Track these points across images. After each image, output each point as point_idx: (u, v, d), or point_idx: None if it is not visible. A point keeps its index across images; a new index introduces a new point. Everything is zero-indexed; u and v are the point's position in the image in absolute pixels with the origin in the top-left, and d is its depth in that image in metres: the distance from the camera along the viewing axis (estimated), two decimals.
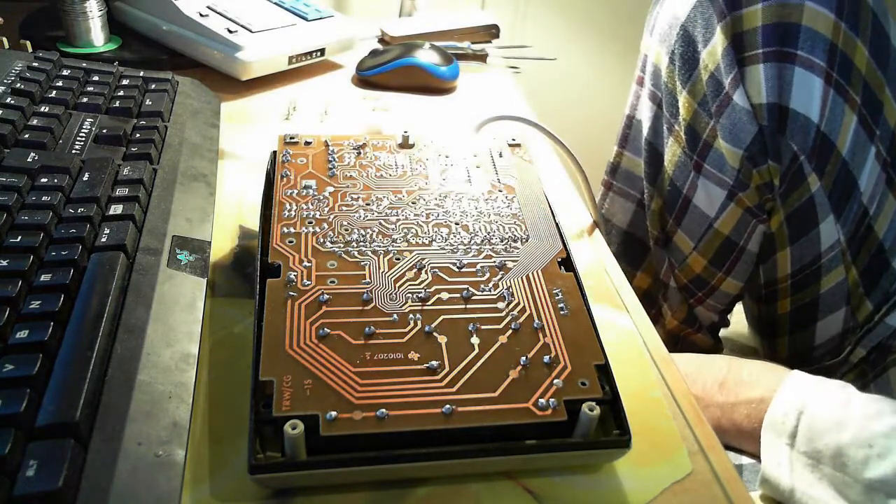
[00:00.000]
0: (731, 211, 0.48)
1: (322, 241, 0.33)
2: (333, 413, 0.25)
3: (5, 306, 0.26)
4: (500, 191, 0.38)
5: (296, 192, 0.36)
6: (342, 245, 0.33)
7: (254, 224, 0.41)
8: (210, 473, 0.27)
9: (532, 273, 0.33)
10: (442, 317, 0.30)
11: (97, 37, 0.57)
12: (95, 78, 0.45)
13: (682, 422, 0.32)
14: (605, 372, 0.29)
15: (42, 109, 0.39)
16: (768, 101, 0.43)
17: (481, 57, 0.68)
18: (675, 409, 0.32)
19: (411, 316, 0.30)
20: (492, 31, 0.73)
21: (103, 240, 0.31)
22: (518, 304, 0.31)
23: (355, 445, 0.25)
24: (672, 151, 0.51)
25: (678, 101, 0.49)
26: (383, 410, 0.25)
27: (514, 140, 0.42)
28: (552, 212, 0.37)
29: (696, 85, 0.47)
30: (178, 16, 0.56)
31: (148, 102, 0.43)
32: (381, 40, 0.70)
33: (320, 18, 0.62)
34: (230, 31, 0.55)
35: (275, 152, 0.39)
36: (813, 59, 0.42)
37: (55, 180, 0.34)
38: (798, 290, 0.49)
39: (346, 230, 0.34)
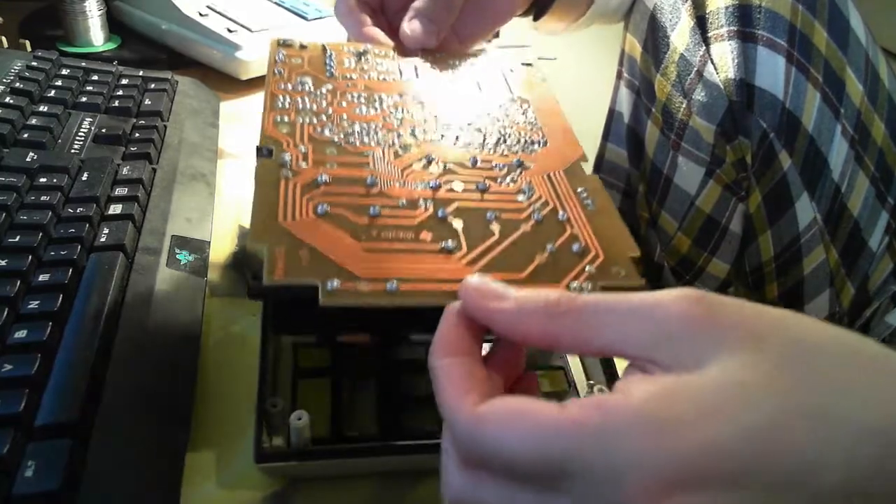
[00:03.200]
0: (711, 188, 0.49)
1: (320, 130, 0.29)
2: (335, 282, 0.21)
3: (4, 306, 0.26)
4: (513, 101, 0.35)
5: (290, 86, 0.32)
6: (342, 136, 0.29)
7: None
8: (210, 473, 0.27)
9: (553, 173, 0.29)
10: (456, 203, 0.26)
11: (96, 36, 0.57)
12: (94, 77, 0.45)
13: None
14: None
15: (41, 109, 0.39)
16: (736, 77, 0.45)
17: None
18: None
19: (422, 201, 0.26)
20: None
21: (102, 239, 0.31)
22: (540, 197, 0.27)
23: (359, 322, 0.22)
24: (651, 134, 0.53)
25: (653, 85, 0.51)
26: (394, 283, 0.22)
27: (526, 61, 0.39)
28: (569, 124, 0.34)
29: (668, 67, 0.49)
30: (177, 15, 0.56)
31: (147, 102, 0.43)
32: None
33: (320, 18, 0.62)
34: (230, 31, 0.55)
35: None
36: (775, 39, 0.44)
37: (54, 180, 0.34)
38: (782, 274, 0.50)
39: (347, 122, 0.30)
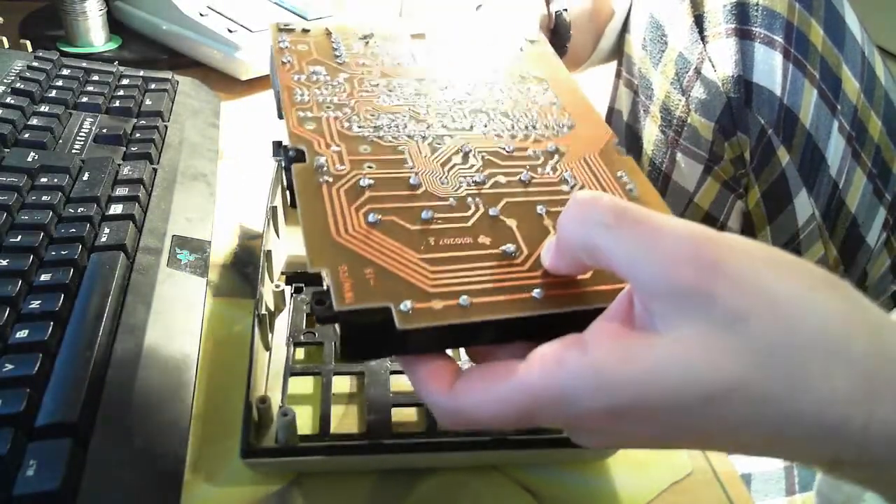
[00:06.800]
0: (709, 185, 0.50)
1: (347, 125, 0.28)
2: (408, 303, 0.21)
3: (5, 306, 0.26)
4: (531, 80, 0.34)
5: (303, 77, 0.30)
6: (371, 130, 0.28)
7: (253, 224, 0.41)
8: (210, 472, 0.27)
9: (589, 156, 0.29)
10: (505, 200, 0.25)
11: (97, 36, 0.57)
12: (95, 77, 0.45)
13: None
14: None
15: (42, 109, 0.39)
16: (734, 74, 0.46)
17: None
18: None
19: (470, 199, 0.25)
20: None
21: (103, 239, 0.31)
22: (583, 187, 0.27)
23: (439, 339, 0.21)
24: (649, 132, 0.53)
25: (652, 83, 0.52)
26: (465, 298, 0.21)
27: (531, 36, 0.38)
28: (588, 100, 0.33)
29: (667, 65, 0.50)
30: (177, 15, 0.56)
31: (148, 102, 0.43)
32: None
33: (320, 18, 0.62)
34: (230, 31, 0.55)
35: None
36: (772, 36, 0.45)
37: (55, 180, 0.34)
38: None
39: (372, 115, 0.28)
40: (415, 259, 0.22)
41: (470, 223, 0.24)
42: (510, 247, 0.23)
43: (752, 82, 0.45)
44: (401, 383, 0.31)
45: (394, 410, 0.29)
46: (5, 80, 0.40)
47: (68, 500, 0.22)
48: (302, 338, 0.33)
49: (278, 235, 0.37)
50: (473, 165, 0.27)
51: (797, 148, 0.46)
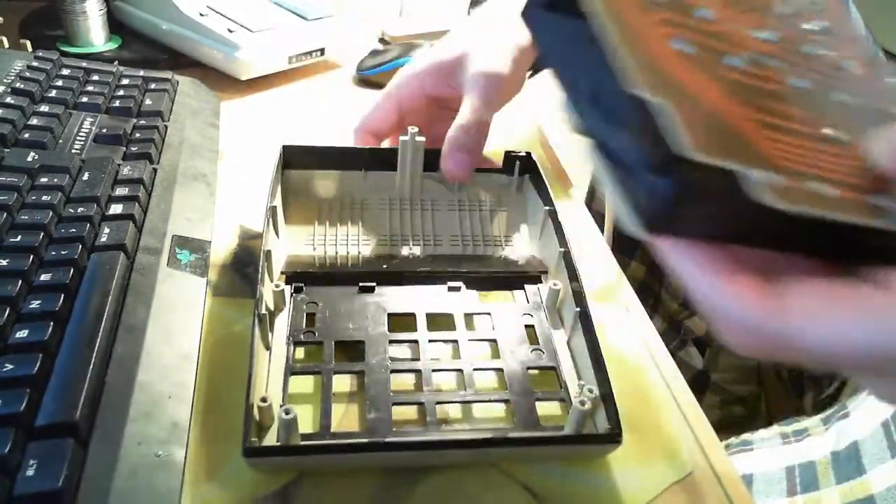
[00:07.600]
0: None
1: None
2: (763, 174, 0.15)
3: (5, 306, 0.26)
4: None
5: None
6: None
7: (253, 224, 0.41)
8: (210, 472, 0.27)
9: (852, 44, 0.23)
10: (802, 74, 0.20)
11: (97, 36, 0.57)
12: (95, 77, 0.45)
13: (682, 421, 0.32)
14: (603, 369, 0.28)
15: (42, 109, 0.39)
16: None
17: None
18: (675, 409, 0.32)
19: (776, 61, 0.19)
20: None
21: (103, 239, 0.31)
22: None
23: (774, 230, 0.17)
24: None
25: None
26: (822, 185, 0.16)
27: None
28: None
29: None
30: (177, 15, 0.56)
31: (148, 102, 0.43)
32: (382, 40, 0.70)
33: (320, 18, 0.62)
34: (230, 31, 0.55)
35: None
36: None
37: (55, 180, 0.34)
38: None
39: None
40: (742, 114, 0.17)
41: (783, 87, 0.18)
42: (831, 132, 0.18)
43: None
44: (400, 382, 0.31)
45: (394, 409, 0.29)
46: (5, 80, 0.40)
47: (69, 500, 0.22)
48: (302, 337, 0.33)
49: (278, 235, 0.37)
50: (764, 13, 0.21)
51: None
